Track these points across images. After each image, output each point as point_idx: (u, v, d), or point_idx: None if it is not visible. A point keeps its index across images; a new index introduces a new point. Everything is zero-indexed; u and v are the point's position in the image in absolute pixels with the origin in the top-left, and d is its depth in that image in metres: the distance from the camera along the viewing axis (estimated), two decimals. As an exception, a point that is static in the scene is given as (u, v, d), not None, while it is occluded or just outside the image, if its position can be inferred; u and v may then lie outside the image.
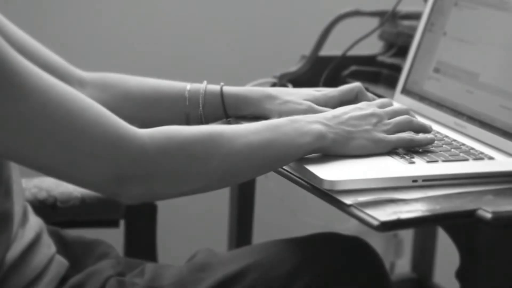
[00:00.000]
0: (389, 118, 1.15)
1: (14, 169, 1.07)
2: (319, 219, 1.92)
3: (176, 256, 1.51)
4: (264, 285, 1.10)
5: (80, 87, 1.22)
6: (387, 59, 1.63)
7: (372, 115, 1.13)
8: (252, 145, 1.03)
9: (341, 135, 1.09)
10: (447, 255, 2.07)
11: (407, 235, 2.15)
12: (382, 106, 1.18)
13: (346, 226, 2.02)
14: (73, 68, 1.23)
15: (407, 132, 1.16)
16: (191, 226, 2.16)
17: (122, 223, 1.45)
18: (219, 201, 1.77)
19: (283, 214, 1.97)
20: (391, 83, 1.55)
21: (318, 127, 1.08)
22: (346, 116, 1.12)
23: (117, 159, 0.94)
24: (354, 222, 2.05)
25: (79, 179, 0.96)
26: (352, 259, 1.14)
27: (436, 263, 1.99)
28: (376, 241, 1.72)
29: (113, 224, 1.44)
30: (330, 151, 1.10)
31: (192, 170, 0.99)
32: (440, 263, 2.01)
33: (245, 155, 1.03)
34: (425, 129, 1.18)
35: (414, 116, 1.18)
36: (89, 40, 2.03)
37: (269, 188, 1.73)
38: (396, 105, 1.22)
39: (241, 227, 1.60)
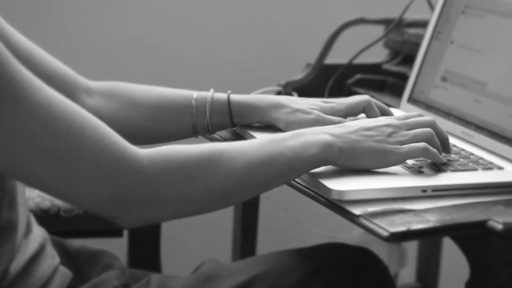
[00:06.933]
0: (409, 129, 1.09)
1: (18, 179, 1.05)
2: (323, 229, 1.91)
3: (180, 266, 1.49)
4: (272, 296, 1.09)
5: (87, 96, 1.20)
6: (392, 67, 1.61)
7: (386, 125, 1.09)
8: (254, 162, 1.00)
9: (349, 144, 1.05)
10: (452, 264, 2.06)
11: (411, 245, 2.14)
12: (406, 118, 1.12)
13: (350, 236, 2.01)
14: (80, 77, 1.22)
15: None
16: (195, 235, 2.15)
17: (125, 233, 1.44)
18: (223, 210, 1.76)
19: (287, 223, 1.96)
20: (396, 92, 1.54)
21: (324, 137, 1.05)
22: (357, 126, 1.08)
23: (116, 181, 0.92)
24: (358, 231, 2.06)
25: (76, 199, 0.94)
26: (360, 269, 1.13)
27: (442, 273, 1.97)
28: (379, 251, 1.71)
29: (117, 234, 1.43)
30: (337, 163, 1.07)
31: (192, 192, 0.96)
32: (445, 272, 2.00)
33: (247, 172, 0.99)
34: (446, 148, 1.12)
35: (439, 130, 1.12)
36: (91, 48, 2.02)
37: (274, 197, 1.71)
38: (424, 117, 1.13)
39: (245, 236, 1.59)
